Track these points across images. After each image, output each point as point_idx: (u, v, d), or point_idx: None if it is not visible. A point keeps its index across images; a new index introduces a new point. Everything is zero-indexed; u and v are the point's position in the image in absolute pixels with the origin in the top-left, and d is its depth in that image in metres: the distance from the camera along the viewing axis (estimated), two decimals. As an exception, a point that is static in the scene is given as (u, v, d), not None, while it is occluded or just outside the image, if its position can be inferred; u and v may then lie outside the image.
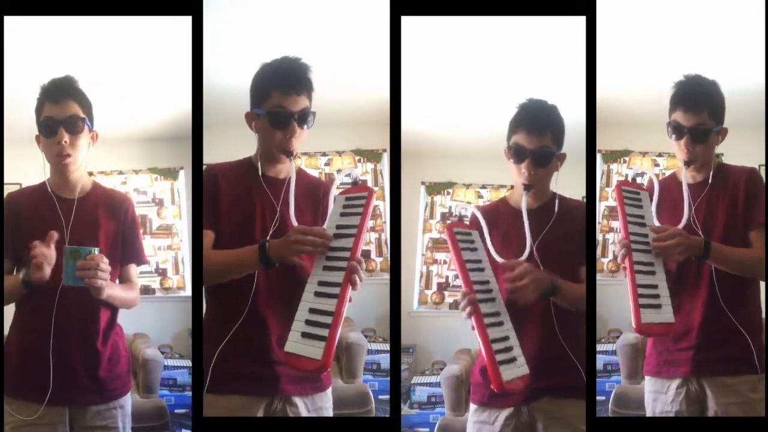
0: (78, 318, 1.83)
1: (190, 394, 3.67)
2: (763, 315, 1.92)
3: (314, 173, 4.24)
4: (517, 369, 1.61)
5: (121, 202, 1.95)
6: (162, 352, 3.84)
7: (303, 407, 1.73)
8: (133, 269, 1.97)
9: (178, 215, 4.48)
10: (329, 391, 1.80)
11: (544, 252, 1.80)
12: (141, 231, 2.03)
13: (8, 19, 2.11)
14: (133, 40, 3.04)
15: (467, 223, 1.93)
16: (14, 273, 1.87)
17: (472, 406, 1.87)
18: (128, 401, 1.94)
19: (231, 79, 3.52)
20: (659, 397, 1.93)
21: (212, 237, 1.70)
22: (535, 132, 1.77)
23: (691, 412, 1.87)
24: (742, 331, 1.82)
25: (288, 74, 1.71)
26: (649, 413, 1.97)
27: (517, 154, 1.79)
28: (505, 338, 1.64)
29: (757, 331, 1.85)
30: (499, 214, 1.88)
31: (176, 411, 3.68)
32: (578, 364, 1.77)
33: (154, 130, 4.09)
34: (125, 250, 1.94)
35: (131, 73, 3.34)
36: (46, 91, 1.85)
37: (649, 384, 1.98)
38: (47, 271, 1.70)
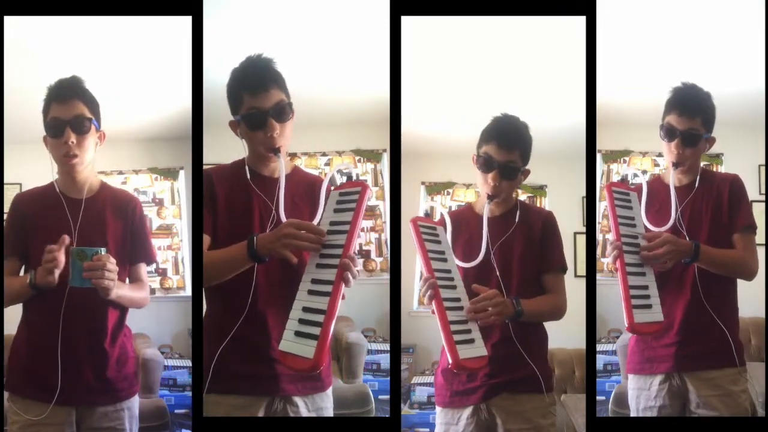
0: (86, 318, 1.82)
1: (190, 394, 3.67)
2: (740, 312, 2.00)
3: (314, 173, 4.24)
4: (474, 349, 1.64)
5: (128, 202, 1.95)
6: (162, 352, 3.83)
7: (303, 407, 1.72)
8: (143, 268, 1.97)
9: (178, 215, 4.49)
10: (330, 391, 1.80)
11: (504, 259, 1.87)
12: (149, 230, 2.04)
13: (8, 19, 2.11)
14: (133, 40, 3.04)
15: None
16: (21, 273, 1.87)
17: (437, 409, 1.93)
18: (135, 403, 1.94)
19: (231, 79, 3.54)
20: (642, 393, 1.99)
21: (208, 240, 1.68)
22: (506, 147, 1.84)
23: (674, 406, 1.94)
24: (722, 326, 1.91)
25: (252, 73, 1.68)
26: (633, 410, 2.03)
27: (486, 164, 1.85)
28: (464, 321, 1.68)
29: (734, 327, 1.95)
30: (465, 220, 1.94)
31: (176, 411, 3.67)
32: (531, 362, 1.82)
33: (154, 130, 4.09)
34: (134, 250, 1.94)
35: (131, 73, 3.34)
36: (53, 91, 1.84)
37: (632, 382, 2.04)
38: (56, 275, 1.69)
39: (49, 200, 1.87)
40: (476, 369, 1.68)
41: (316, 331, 1.47)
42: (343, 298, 1.53)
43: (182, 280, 4.43)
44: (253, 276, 1.66)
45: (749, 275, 1.93)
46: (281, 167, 1.69)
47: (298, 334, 1.48)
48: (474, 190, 4.68)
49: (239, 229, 1.67)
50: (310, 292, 1.53)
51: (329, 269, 1.53)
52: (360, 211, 1.62)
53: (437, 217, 1.97)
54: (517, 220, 1.90)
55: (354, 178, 1.75)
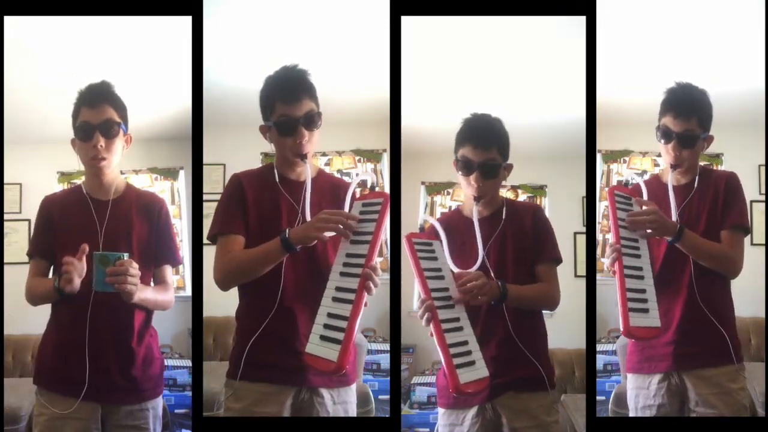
0: (113, 318, 1.85)
1: (190, 394, 3.68)
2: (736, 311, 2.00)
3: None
4: (475, 372, 1.63)
5: (153, 203, 1.98)
6: (162, 352, 3.83)
7: (329, 399, 1.78)
8: (168, 270, 2.00)
9: (178, 215, 4.48)
10: (354, 386, 1.86)
11: (498, 257, 1.86)
12: (175, 232, 2.05)
13: (8, 19, 2.11)
14: (133, 40, 3.04)
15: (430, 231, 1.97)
16: (50, 273, 1.90)
17: (440, 410, 1.92)
18: (160, 403, 1.96)
19: (231, 79, 3.54)
20: (641, 392, 1.99)
21: (242, 241, 1.76)
22: (482, 146, 1.83)
23: (673, 405, 1.94)
24: (718, 325, 1.90)
25: (286, 83, 1.78)
26: (631, 409, 2.02)
27: (465, 167, 1.85)
28: (464, 342, 1.67)
29: (731, 325, 1.94)
30: (455, 225, 1.93)
31: (176, 411, 3.68)
32: (535, 361, 1.83)
33: (154, 130, 4.08)
34: (159, 251, 1.96)
35: (131, 73, 3.34)
36: (83, 96, 1.89)
37: (631, 381, 2.04)
38: (77, 282, 1.72)
39: (75, 202, 1.91)
40: (477, 393, 1.67)
41: (340, 336, 1.56)
42: (366, 305, 1.61)
43: (182, 280, 4.43)
44: (281, 274, 1.73)
45: (733, 272, 1.92)
46: (307, 172, 1.78)
47: (323, 338, 1.58)
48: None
49: (268, 230, 1.74)
50: (335, 299, 1.62)
51: (352, 278, 1.63)
52: (382, 221, 1.70)
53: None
54: (504, 217, 1.89)
55: (375, 187, 1.79)
